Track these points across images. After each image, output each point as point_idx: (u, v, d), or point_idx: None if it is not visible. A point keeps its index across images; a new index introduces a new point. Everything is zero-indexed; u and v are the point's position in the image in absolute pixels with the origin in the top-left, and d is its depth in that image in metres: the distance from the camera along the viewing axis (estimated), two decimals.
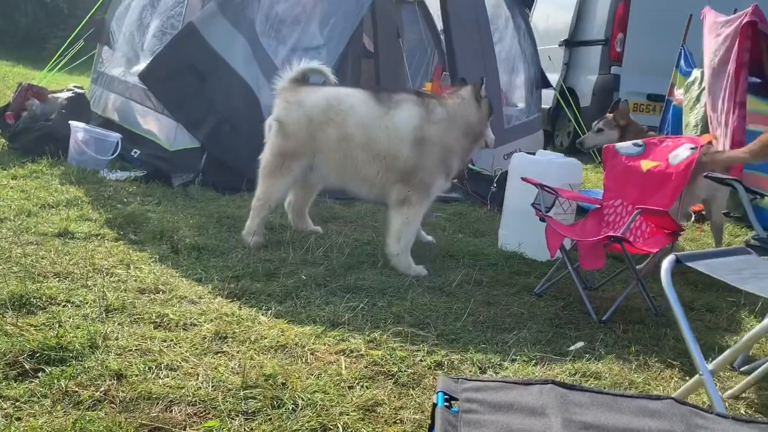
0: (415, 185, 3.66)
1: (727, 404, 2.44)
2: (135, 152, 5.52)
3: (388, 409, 2.20)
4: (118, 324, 2.62)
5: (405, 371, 2.46)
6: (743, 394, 2.55)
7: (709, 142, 4.13)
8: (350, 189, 3.98)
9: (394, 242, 3.64)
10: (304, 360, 2.47)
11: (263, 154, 3.85)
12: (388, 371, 2.45)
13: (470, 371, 2.55)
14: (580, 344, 2.87)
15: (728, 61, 4.96)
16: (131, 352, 2.40)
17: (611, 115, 4.78)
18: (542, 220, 3.39)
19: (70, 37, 7.19)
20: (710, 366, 2.10)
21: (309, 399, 2.18)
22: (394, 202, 3.71)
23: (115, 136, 5.46)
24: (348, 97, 3.82)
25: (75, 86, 6.32)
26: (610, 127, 4.71)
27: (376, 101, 3.76)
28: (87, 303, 2.77)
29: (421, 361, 2.57)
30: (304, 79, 3.92)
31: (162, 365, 2.33)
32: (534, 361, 2.66)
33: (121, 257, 3.38)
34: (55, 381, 2.14)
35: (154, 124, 5.48)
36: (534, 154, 4.31)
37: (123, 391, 2.13)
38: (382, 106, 3.73)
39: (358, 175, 3.79)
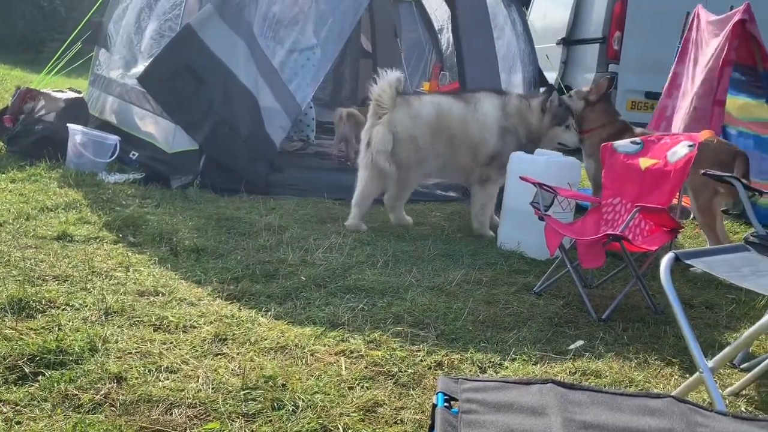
0: (495, 166, 4.43)
1: (727, 401, 2.44)
2: (133, 155, 5.51)
3: (388, 409, 2.20)
4: (118, 327, 2.62)
5: (405, 371, 2.46)
6: (743, 391, 2.55)
7: (708, 138, 4.13)
8: (445, 177, 4.95)
9: (479, 213, 4.49)
10: (304, 361, 2.47)
11: (394, 164, 4.35)
12: (389, 371, 2.45)
13: (470, 371, 2.55)
14: (579, 343, 2.87)
15: (714, 59, 4.98)
16: (131, 355, 2.40)
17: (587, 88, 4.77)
18: (541, 219, 3.39)
19: (68, 40, 7.19)
20: (710, 363, 2.10)
21: (309, 400, 2.18)
22: (478, 181, 4.52)
23: (114, 138, 5.46)
24: (446, 102, 4.52)
25: (71, 89, 6.31)
26: (578, 97, 4.70)
27: (464, 101, 4.51)
28: (86, 306, 2.77)
29: (421, 361, 2.57)
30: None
31: (162, 368, 2.33)
32: (534, 360, 2.66)
33: (120, 260, 3.38)
34: (55, 384, 2.14)
35: (153, 126, 5.48)
36: (532, 153, 4.30)
37: (123, 394, 2.13)
38: (469, 104, 4.48)
39: (455, 166, 4.54)
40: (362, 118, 6.23)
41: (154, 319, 2.71)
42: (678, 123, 5.29)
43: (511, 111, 4.52)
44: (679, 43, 6.56)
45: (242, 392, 2.20)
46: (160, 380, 2.25)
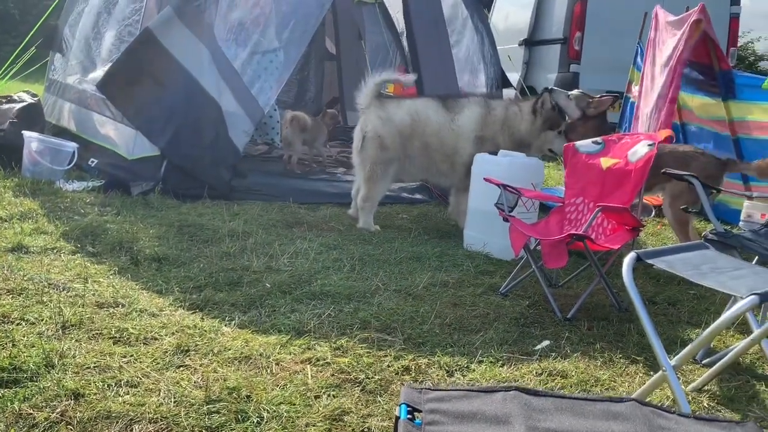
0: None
1: (690, 398, 2.48)
2: (92, 161, 5.38)
3: (355, 417, 2.17)
4: (76, 341, 2.54)
5: (372, 378, 2.44)
6: (706, 387, 2.59)
7: (667, 138, 4.20)
8: (430, 180, 5.03)
9: (462, 219, 4.49)
10: (269, 371, 2.43)
11: (362, 163, 4.55)
12: (355, 378, 2.43)
13: (438, 375, 2.54)
14: (545, 343, 2.89)
15: (672, 58, 5.08)
16: (89, 370, 2.33)
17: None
18: (506, 220, 3.40)
19: (22, 44, 6.99)
20: (673, 362, 2.13)
21: (274, 411, 2.14)
22: (457, 189, 4.68)
23: (71, 145, 5.32)
24: (425, 109, 4.57)
25: (26, 93, 6.13)
26: (578, 105, 4.69)
27: (445, 108, 4.55)
28: (42, 320, 2.68)
29: (388, 366, 2.54)
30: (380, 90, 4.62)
31: (122, 382, 2.26)
32: (501, 362, 2.66)
33: (78, 271, 3.28)
34: (8, 403, 2.06)
35: (112, 132, 5.35)
36: (496, 153, 4.32)
37: (81, 411, 2.06)
38: (449, 112, 4.53)
39: (436, 170, 4.64)
40: (307, 122, 6.21)
41: (113, 332, 2.63)
42: (645, 121, 5.37)
43: (493, 119, 4.52)
44: (638, 43, 6.69)
45: (205, 405, 2.15)
46: (119, 395, 2.18)
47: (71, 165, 5.28)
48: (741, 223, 4.45)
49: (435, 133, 4.52)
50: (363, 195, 4.60)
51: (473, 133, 4.48)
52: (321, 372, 2.46)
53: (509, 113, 4.55)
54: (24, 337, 2.52)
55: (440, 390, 1.26)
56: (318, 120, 6.56)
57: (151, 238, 3.89)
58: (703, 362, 2.78)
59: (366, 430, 2.11)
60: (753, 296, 1.93)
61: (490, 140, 4.49)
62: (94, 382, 2.24)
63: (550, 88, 4.70)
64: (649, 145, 3.48)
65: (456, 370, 2.58)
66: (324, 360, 2.54)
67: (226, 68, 5.13)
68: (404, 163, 4.60)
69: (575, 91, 4.83)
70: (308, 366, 2.49)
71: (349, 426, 2.12)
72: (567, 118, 4.66)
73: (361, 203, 4.62)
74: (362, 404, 2.26)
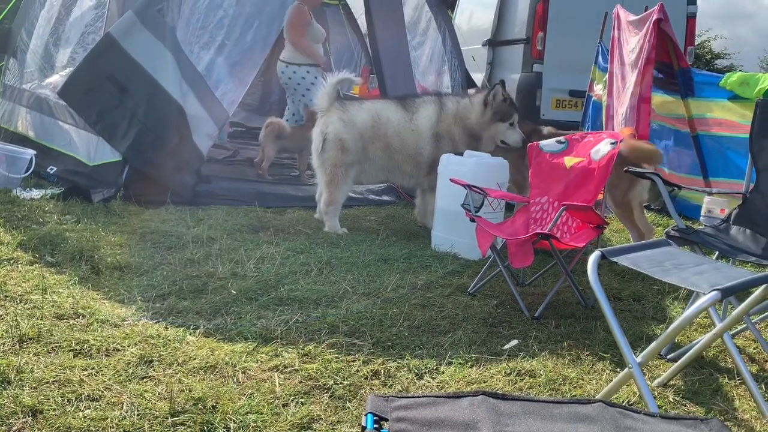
0: (436, 175, 4.34)
1: (656, 393, 2.51)
2: (51, 169, 5.25)
3: (324, 424, 2.14)
4: (34, 354, 2.46)
5: (341, 383, 2.41)
6: (671, 382, 2.62)
7: (631, 136, 4.26)
8: (393, 181, 5.03)
9: (430, 220, 4.52)
10: (235, 379, 2.39)
11: (322, 166, 4.52)
12: (324, 385, 2.40)
13: (407, 378, 2.52)
14: (514, 342, 2.89)
15: (639, 59, 5.16)
16: (48, 385, 2.25)
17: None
18: (472, 220, 3.41)
19: None
20: (638, 359, 2.15)
21: (241, 421, 2.10)
22: (423, 188, 4.70)
23: (29, 152, 5.18)
24: (385, 110, 4.56)
25: None
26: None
27: (404, 109, 4.56)
28: None
29: (357, 371, 2.52)
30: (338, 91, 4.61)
31: (82, 396, 2.19)
32: (470, 363, 2.65)
33: (36, 282, 3.18)
34: None
35: (73, 138, 5.22)
36: (461, 154, 4.33)
37: (38, 429, 2.00)
38: (407, 112, 4.55)
39: (399, 171, 4.64)
40: (284, 128, 6.16)
41: (74, 344, 2.56)
42: (619, 121, 5.44)
43: (445, 114, 4.56)
44: (599, 43, 6.78)
45: (170, 417, 2.10)
46: (80, 410, 2.12)
47: (29, 172, 5.15)
48: (702, 219, 4.54)
49: (396, 134, 4.53)
50: (325, 199, 4.56)
51: (430, 131, 4.52)
52: (289, 379, 2.42)
53: (460, 106, 4.59)
54: None
55: (407, 397, 1.24)
56: (301, 128, 6.13)
57: (113, 246, 3.80)
58: (668, 357, 2.82)
59: None
60: (714, 292, 1.96)
61: (446, 136, 4.54)
62: (53, 398, 2.17)
63: (502, 80, 4.74)
64: (612, 143, 3.52)
65: (425, 372, 2.57)
66: (292, 367, 2.50)
67: (189, 71, 5.06)
68: (365, 165, 4.60)
69: (548, 129, 4.79)
70: (276, 373, 2.45)
71: None
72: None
73: (324, 208, 4.58)
74: (331, 411, 2.23)
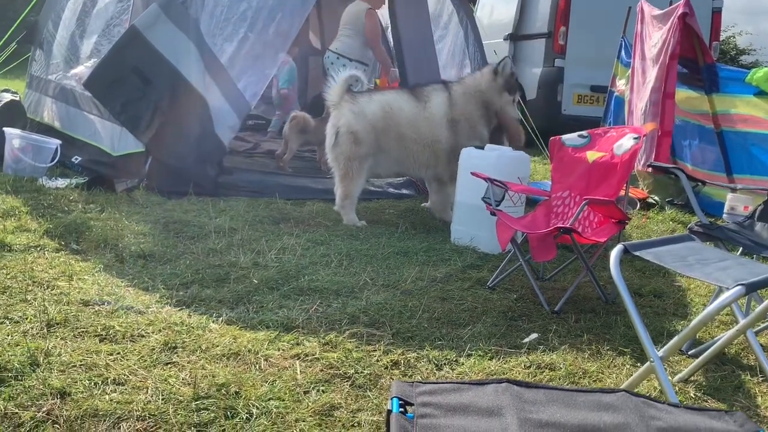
0: (455, 164, 4.34)
1: (677, 388, 2.50)
2: (76, 158, 5.32)
3: (345, 412, 2.17)
4: (61, 339, 2.51)
5: (362, 372, 2.43)
6: (692, 377, 2.61)
7: (665, 131, 4.23)
8: (410, 173, 4.96)
9: (440, 210, 4.69)
10: (257, 367, 2.42)
11: (336, 160, 4.51)
12: (345, 373, 2.42)
13: (427, 369, 2.54)
14: (534, 336, 2.90)
15: (662, 53, 5.12)
16: (75, 368, 2.30)
17: None
18: (493, 214, 3.41)
19: (2, 41, 6.89)
20: (660, 353, 2.14)
21: (264, 407, 2.13)
22: (448, 180, 4.59)
23: (54, 142, 5.26)
24: (396, 100, 4.55)
25: (6, 90, 6.05)
26: None
27: (415, 98, 4.54)
28: (27, 318, 2.64)
29: (377, 361, 2.54)
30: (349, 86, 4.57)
31: (108, 380, 2.24)
32: (490, 356, 2.66)
33: (62, 269, 3.24)
34: None
35: (97, 128, 5.30)
36: (482, 148, 4.33)
37: (67, 410, 2.04)
38: (420, 101, 4.52)
39: (415, 162, 4.60)
40: (309, 122, 6.19)
41: (99, 330, 2.61)
42: (638, 116, 5.40)
43: (456, 97, 4.55)
44: (622, 38, 6.72)
45: (194, 402, 2.13)
46: (106, 393, 2.16)
47: (54, 162, 5.22)
48: (724, 216, 4.49)
49: (409, 123, 4.51)
50: (341, 193, 4.55)
51: (444, 117, 4.51)
52: (310, 367, 2.45)
53: (469, 82, 4.62)
54: (8, 335, 2.48)
55: (431, 383, 1.26)
56: (324, 121, 6.32)
57: (137, 235, 3.85)
58: (689, 353, 2.81)
59: (356, 424, 2.11)
60: (739, 287, 1.95)
61: (462, 119, 4.53)
62: (81, 381, 2.21)
63: (508, 57, 4.82)
64: (635, 138, 3.50)
65: (445, 363, 2.58)
66: (313, 355, 2.53)
67: (212, 63, 5.10)
68: (379, 158, 4.57)
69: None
70: (297, 361, 2.48)
71: (339, 421, 2.12)
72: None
73: (340, 202, 4.56)
74: (352, 399, 2.25)
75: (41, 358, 2.32)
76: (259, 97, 5.75)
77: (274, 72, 5.67)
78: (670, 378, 2.44)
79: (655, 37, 5.38)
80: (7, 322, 2.61)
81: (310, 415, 2.12)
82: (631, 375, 2.43)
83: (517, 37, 9.15)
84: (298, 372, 2.39)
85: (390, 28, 6.11)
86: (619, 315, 3.15)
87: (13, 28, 6.80)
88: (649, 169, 5.19)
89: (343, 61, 6.29)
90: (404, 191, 5.69)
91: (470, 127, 4.54)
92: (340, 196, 4.57)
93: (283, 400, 2.18)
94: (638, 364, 2.63)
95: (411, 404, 1.19)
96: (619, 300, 3.26)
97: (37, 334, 2.53)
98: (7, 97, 5.83)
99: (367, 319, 2.91)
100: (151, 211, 4.36)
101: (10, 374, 2.20)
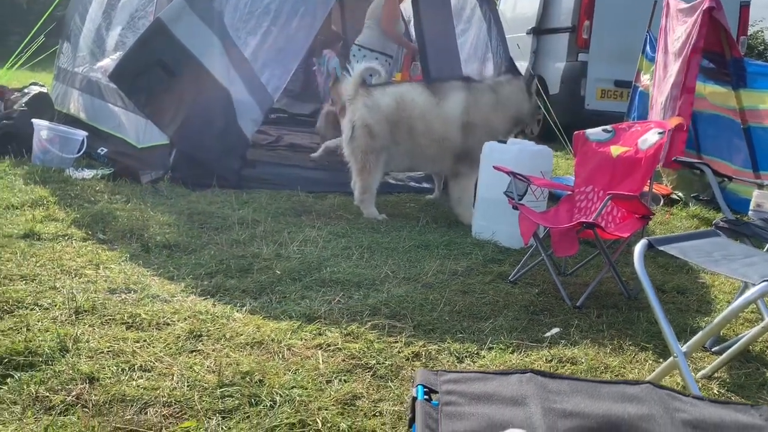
0: (468, 161, 4.40)
1: (700, 385, 2.48)
2: (101, 150, 5.40)
3: (366, 402, 2.19)
4: (89, 326, 2.56)
5: (383, 363, 2.45)
6: (716, 374, 2.59)
7: (678, 126, 4.19)
8: (418, 167, 5.03)
9: (456, 206, 4.61)
10: (280, 356, 2.45)
11: (353, 155, 4.51)
12: (366, 364, 2.44)
13: (448, 361, 2.55)
14: (555, 330, 2.89)
15: (685, 47, 5.05)
16: (103, 354, 2.35)
17: None
18: (515, 208, 3.40)
19: (30, 34, 7.01)
20: (684, 348, 2.13)
21: (287, 395, 2.16)
22: (451, 175, 4.62)
23: (81, 133, 5.34)
24: (409, 93, 4.54)
25: (34, 83, 6.16)
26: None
27: (430, 92, 4.51)
28: (56, 305, 2.70)
29: (398, 352, 2.56)
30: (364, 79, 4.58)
31: (135, 366, 2.28)
32: (511, 349, 2.67)
33: (89, 257, 3.31)
34: (25, 386, 2.09)
35: (122, 120, 5.37)
36: (505, 142, 4.31)
37: (95, 395, 2.09)
38: (435, 96, 4.48)
39: (422, 155, 4.58)
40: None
41: (126, 317, 2.66)
42: (658, 111, 5.35)
43: (481, 103, 4.54)
44: (648, 32, 6.64)
45: (218, 389, 2.17)
46: (133, 379, 2.21)
47: (81, 153, 5.31)
48: (750, 213, 4.43)
49: (420, 117, 4.47)
50: (360, 187, 4.54)
51: (460, 118, 4.48)
52: (332, 357, 2.47)
53: (504, 94, 4.61)
54: (38, 322, 2.54)
55: (456, 372, 1.27)
56: None
57: (162, 225, 3.91)
58: (713, 350, 2.79)
59: (377, 414, 2.13)
60: (765, 283, 1.93)
61: (480, 125, 4.50)
62: (108, 366, 2.26)
63: (533, 75, 4.97)
64: (660, 133, 3.47)
65: (466, 356, 2.59)
66: (335, 346, 2.56)
67: (236, 56, 5.14)
68: (392, 150, 4.55)
69: None
70: (319, 351, 2.51)
71: (361, 410, 2.14)
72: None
73: (359, 196, 4.55)
74: (373, 389, 2.27)
75: (70, 344, 2.38)
76: (281, 91, 5.78)
77: (296, 65, 5.68)
78: (693, 374, 2.42)
79: (679, 31, 5.31)
80: (37, 308, 2.67)
81: (333, 404, 2.14)
82: (654, 371, 2.42)
83: (540, 31, 9.07)
84: (321, 361, 2.42)
85: (412, 21, 6.10)
86: (642, 311, 3.14)
87: (41, 21, 6.92)
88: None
89: (365, 53, 6.28)
90: (425, 185, 5.69)
91: (489, 134, 4.46)
92: (359, 191, 4.58)
93: (306, 389, 2.21)
94: (661, 360, 2.62)
95: (435, 392, 1.21)
96: (642, 296, 3.24)
97: (66, 320, 2.59)
98: (36, 89, 5.93)
99: (389, 311, 2.92)
100: (176, 203, 4.41)
101: (40, 359, 2.26)
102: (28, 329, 2.46)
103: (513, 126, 4.60)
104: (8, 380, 2.13)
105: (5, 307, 2.63)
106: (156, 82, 4.99)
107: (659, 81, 5.56)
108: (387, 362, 2.46)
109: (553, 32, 8.86)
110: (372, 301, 3.01)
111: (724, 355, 2.52)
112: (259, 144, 6.58)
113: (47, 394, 2.07)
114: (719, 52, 5.18)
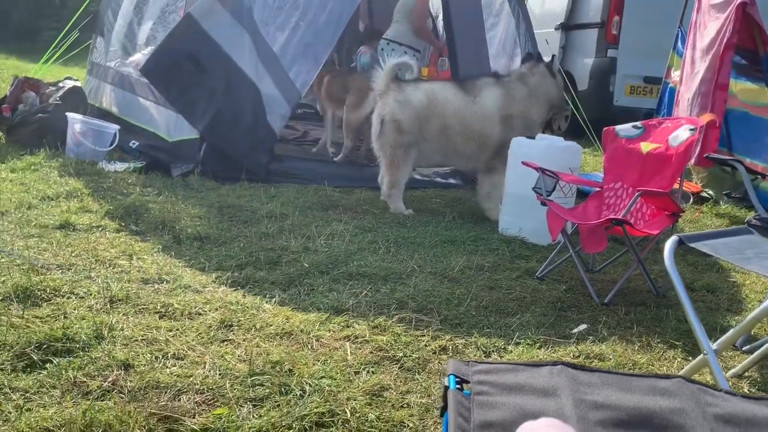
0: (502, 156, 4.34)
1: (730, 383, 2.46)
2: (133, 143, 5.51)
3: (394, 393, 2.21)
4: (123, 314, 2.63)
5: (410, 356, 2.47)
6: (746, 373, 2.57)
7: (710, 122, 4.13)
8: (450, 164, 5.19)
9: (485, 201, 4.61)
10: (309, 346, 2.48)
11: (382, 149, 4.55)
12: (394, 356, 2.47)
13: (475, 355, 2.56)
14: (583, 327, 2.89)
15: (716, 43, 4.97)
16: (137, 342, 2.41)
17: None
18: (543, 204, 3.40)
19: (65, 29, 7.15)
20: (714, 346, 2.12)
21: (316, 385, 2.20)
22: (483, 170, 4.61)
23: (113, 127, 5.45)
24: (442, 91, 4.55)
25: (68, 77, 6.29)
26: None
27: (464, 90, 4.52)
28: (91, 294, 2.77)
29: (425, 345, 2.58)
30: (396, 74, 4.59)
31: (168, 354, 2.34)
32: (538, 344, 2.67)
33: (123, 248, 3.38)
34: (63, 372, 2.15)
35: (153, 114, 5.47)
36: (533, 137, 4.30)
37: (131, 381, 2.14)
38: (469, 94, 4.50)
39: (457, 154, 4.60)
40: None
41: (159, 307, 2.72)
42: (684, 107, 5.28)
43: (516, 96, 4.56)
44: (679, 28, 6.55)
45: (249, 378, 2.21)
46: (167, 367, 2.26)
47: (113, 146, 5.42)
48: None
49: (455, 115, 4.48)
50: (388, 182, 4.56)
51: (498, 113, 4.50)
52: (360, 349, 2.50)
53: (535, 83, 4.61)
54: (75, 309, 2.61)
55: (487, 363, 1.29)
56: None
57: (192, 217, 3.97)
58: (744, 349, 2.76)
59: (405, 405, 2.15)
60: None
61: (519, 116, 4.53)
62: (143, 354, 2.32)
63: (553, 55, 4.98)
64: (691, 129, 3.43)
65: (493, 350, 2.61)
66: (363, 338, 2.58)
67: (265, 51, 5.19)
68: (421, 146, 4.55)
69: None
70: (347, 343, 2.54)
71: (389, 401, 2.17)
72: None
73: (387, 190, 4.58)
74: (401, 381, 2.30)
75: (105, 332, 2.44)
76: (309, 86, 5.83)
77: (324, 60, 5.72)
78: (723, 372, 2.41)
79: (711, 27, 5.23)
80: (73, 297, 2.74)
81: (361, 395, 2.17)
82: (682, 368, 2.41)
83: (569, 26, 8.98)
84: (349, 353, 2.45)
85: (441, 16, 6.10)
86: (671, 308, 3.12)
87: (75, 16, 7.05)
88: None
89: (393, 46, 6.31)
90: (451, 181, 5.70)
91: (525, 125, 4.52)
92: (386, 185, 4.59)
93: (335, 379, 2.24)
94: (690, 358, 2.60)
95: (467, 382, 1.22)
96: (670, 293, 3.22)
97: (101, 309, 2.65)
98: (70, 83, 6.05)
99: (415, 305, 2.94)
100: (206, 196, 4.48)
101: (77, 345, 2.32)
102: (65, 317, 2.53)
103: (548, 111, 4.64)
104: (47, 365, 2.20)
105: (43, 295, 2.71)
106: (186, 77, 5.07)
107: (686, 77, 5.48)
108: (414, 355, 2.48)
109: (581, 28, 8.77)
110: (399, 294, 3.03)
111: (755, 354, 2.50)
112: (287, 139, 6.65)
113: (84, 379, 2.13)
114: (752, 49, 5.10)
